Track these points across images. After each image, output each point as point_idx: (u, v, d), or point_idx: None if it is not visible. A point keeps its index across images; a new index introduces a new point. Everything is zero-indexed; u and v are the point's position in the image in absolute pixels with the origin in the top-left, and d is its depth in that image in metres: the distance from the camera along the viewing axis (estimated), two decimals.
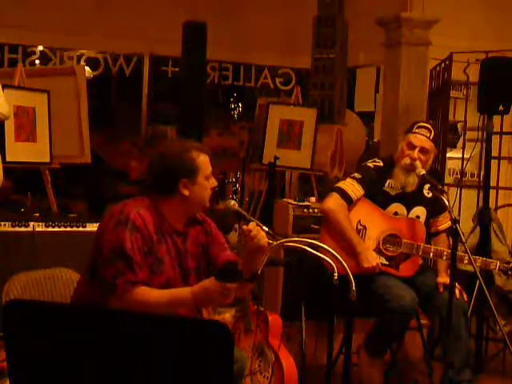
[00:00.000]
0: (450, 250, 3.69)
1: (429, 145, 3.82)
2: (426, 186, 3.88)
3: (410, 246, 3.77)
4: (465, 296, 3.78)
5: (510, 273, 3.75)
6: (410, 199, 3.88)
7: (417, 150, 3.79)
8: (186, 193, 2.67)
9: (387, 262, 3.80)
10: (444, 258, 3.75)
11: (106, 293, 2.52)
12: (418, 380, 4.34)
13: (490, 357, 4.64)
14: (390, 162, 3.90)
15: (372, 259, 3.73)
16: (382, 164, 3.92)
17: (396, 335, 3.87)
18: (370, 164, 3.94)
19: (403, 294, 3.63)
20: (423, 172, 3.75)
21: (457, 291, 3.69)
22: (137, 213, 2.59)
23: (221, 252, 2.82)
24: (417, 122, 3.94)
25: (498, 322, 4.22)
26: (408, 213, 3.88)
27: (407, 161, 3.80)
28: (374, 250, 3.81)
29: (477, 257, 3.79)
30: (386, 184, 3.87)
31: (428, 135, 3.82)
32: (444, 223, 3.97)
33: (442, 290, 3.77)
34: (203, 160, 2.69)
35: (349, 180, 3.89)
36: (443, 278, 3.80)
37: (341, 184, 3.90)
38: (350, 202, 3.82)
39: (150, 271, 2.58)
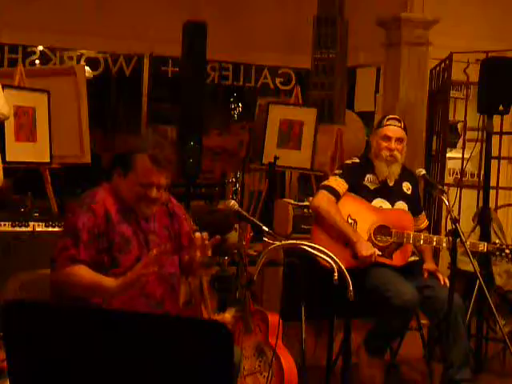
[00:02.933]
0: (440, 236, 3.96)
1: (402, 133, 4.00)
2: (405, 184, 4.04)
3: (401, 235, 3.88)
4: (447, 282, 3.85)
5: (497, 253, 3.85)
6: (391, 194, 4.01)
7: (393, 140, 3.95)
8: (117, 181, 2.77)
9: (380, 253, 3.88)
10: (434, 243, 3.88)
11: (50, 266, 2.63)
12: (417, 380, 4.34)
13: (490, 357, 4.64)
14: (365, 159, 4.08)
15: (369, 247, 3.82)
16: (358, 160, 4.09)
17: (397, 332, 3.89)
18: (348, 161, 4.13)
19: (404, 290, 3.67)
20: (423, 172, 3.85)
21: (440, 276, 3.89)
22: (100, 197, 2.71)
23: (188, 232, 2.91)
24: (385, 117, 4.09)
25: (498, 322, 4.22)
26: (392, 207, 4.00)
27: (386, 153, 3.95)
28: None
29: (466, 241, 3.83)
30: (366, 178, 4.01)
31: (399, 125, 3.99)
32: (423, 221, 4.16)
33: (426, 275, 3.94)
34: (144, 166, 2.72)
35: (331, 177, 4.05)
36: (428, 265, 3.97)
37: (325, 182, 4.05)
38: (338, 196, 3.95)
39: (97, 252, 2.64)
